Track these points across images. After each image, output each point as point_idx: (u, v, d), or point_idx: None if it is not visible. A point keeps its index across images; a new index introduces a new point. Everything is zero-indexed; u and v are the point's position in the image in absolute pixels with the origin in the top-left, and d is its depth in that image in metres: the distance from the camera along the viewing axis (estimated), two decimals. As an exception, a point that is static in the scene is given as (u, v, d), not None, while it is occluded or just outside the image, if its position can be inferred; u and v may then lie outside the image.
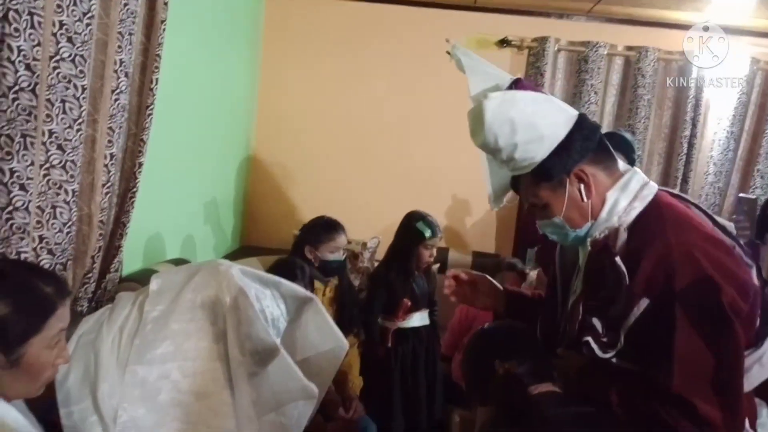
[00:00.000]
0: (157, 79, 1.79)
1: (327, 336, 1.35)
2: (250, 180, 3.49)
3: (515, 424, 1.23)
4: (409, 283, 2.37)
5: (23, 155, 1.31)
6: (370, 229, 3.36)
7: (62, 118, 1.42)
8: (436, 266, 3.13)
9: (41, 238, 1.44)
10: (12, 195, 1.31)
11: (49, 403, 1.13)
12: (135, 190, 1.80)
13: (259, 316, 1.18)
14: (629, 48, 3.32)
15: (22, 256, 1.36)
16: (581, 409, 1.17)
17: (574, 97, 3.32)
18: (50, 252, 1.47)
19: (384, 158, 3.45)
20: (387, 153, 3.44)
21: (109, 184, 1.66)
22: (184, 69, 2.32)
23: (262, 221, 3.53)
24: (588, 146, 1.20)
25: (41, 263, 1.44)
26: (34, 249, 1.43)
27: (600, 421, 1.14)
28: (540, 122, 1.19)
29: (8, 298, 0.97)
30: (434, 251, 2.36)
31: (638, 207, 1.18)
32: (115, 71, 1.60)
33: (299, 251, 2.22)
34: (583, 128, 1.20)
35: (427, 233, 2.26)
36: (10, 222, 1.32)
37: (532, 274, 2.61)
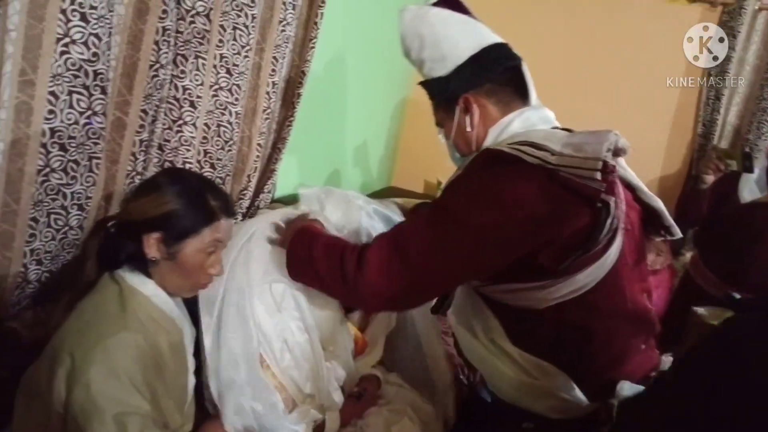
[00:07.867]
0: (322, 14, 1.83)
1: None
2: (404, 122, 3.53)
3: None
4: None
5: (195, 75, 1.45)
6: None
7: (232, 44, 1.52)
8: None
9: (205, 152, 1.60)
10: (183, 110, 1.46)
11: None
12: (292, 119, 1.89)
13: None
14: None
15: (187, 166, 1.52)
16: None
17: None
18: (212, 166, 1.63)
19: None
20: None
21: (269, 110, 1.76)
22: (352, 7, 2.36)
23: (412, 165, 3.58)
24: (482, 75, 1.19)
25: (203, 174, 1.59)
26: (198, 161, 1.58)
27: None
28: (445, 43, 1.20)
29: (181, 197, 1.11)
30: None
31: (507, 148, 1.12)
32: (284, 3, 1.66)
33: None
34: (482, 58, 1.19)
35: None
36: (179, 134, 1.47)
37: (687, 256, 2.36)
